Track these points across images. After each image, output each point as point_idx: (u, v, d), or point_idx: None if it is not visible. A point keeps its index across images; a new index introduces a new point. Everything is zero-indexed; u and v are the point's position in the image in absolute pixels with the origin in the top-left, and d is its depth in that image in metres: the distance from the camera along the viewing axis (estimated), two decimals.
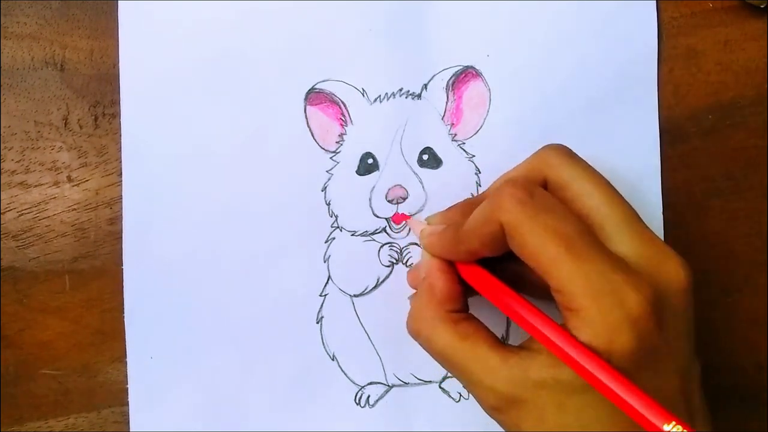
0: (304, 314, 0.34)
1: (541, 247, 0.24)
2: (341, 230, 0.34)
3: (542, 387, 0.24)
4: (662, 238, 0.34)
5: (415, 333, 0.28)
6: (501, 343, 0.26)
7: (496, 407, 0.25)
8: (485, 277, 0.27)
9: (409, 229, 0.34)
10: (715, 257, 0.36)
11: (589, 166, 0.27)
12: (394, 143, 0.34)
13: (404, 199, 0.34)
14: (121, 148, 0.32)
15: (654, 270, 0.25)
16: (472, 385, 0.26)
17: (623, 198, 0.27)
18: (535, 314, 0.25)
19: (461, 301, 0.28)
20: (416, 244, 0.34)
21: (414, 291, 0.30)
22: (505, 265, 0.28)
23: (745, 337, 0.36)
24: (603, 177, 0.27)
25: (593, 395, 0.23)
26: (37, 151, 0.33)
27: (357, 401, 0.34)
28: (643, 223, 0.26)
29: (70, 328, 0.33)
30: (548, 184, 0.27)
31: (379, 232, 0.34)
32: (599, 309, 0.23)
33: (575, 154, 0.28)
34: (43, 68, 0.32)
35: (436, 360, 0.27)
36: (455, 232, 0.27)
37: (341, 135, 0.34)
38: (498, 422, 0.26)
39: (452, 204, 0.31)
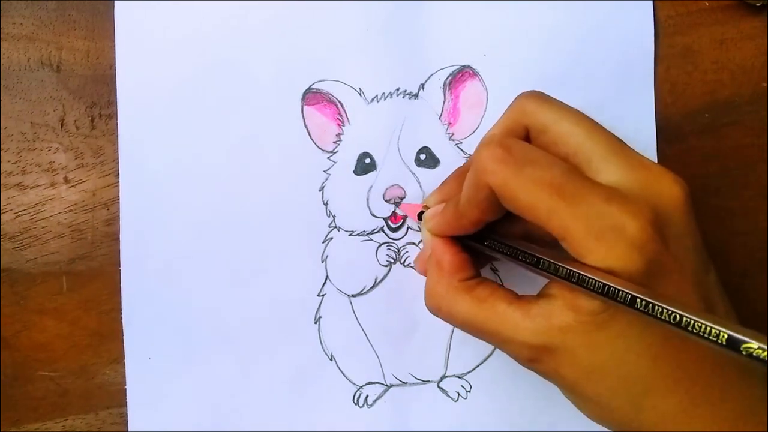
0: (302, 314, 0.34)
1: (534, 200, 0.24)
2: (339, 230, 0.34)
3: (568, 331, 0.24)
4: None
5: (435, 309, 0.28)
6: (519, 298, 0.26)
7: (531, 359, 0.25)
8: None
9: (407, 229, 0.34)
10: (713, 256, 0.36)
11: (566, 105, 0.27)
12: (391, 143, 0.34)
13: (402, 198, 0.34)
14: (117, 149, 0.32)
15: (649, 191, 0.25)
16: (502, 344, 0.26)
17: (605, 128, 0.26)
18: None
19: (471, 268, 0.28)
20: (415, 243, 0.34)
21: (425, 278, 0.29)
22: (515, 224, 0.28)
23: None
24: (581, 113, 0.27)
25: (618, 326, 0.23)
26: (34, 153, 0.32)
27: (355, 401, 0.34)
28: (630, 148, 0.26)
29: (67, 329, 0.33)
30: (529, 131, 0.27)
31: (376, 232, 0.34)
32: (605, 246, 0.23)
33: (550, 96, 0.28)
34: (39, 69, 0.32)
35: (462, 330, 0.27)
36: (455, 207, 0.27)
37: (338, 135, 0.34)
38: (538, 373, 0.26)
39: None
